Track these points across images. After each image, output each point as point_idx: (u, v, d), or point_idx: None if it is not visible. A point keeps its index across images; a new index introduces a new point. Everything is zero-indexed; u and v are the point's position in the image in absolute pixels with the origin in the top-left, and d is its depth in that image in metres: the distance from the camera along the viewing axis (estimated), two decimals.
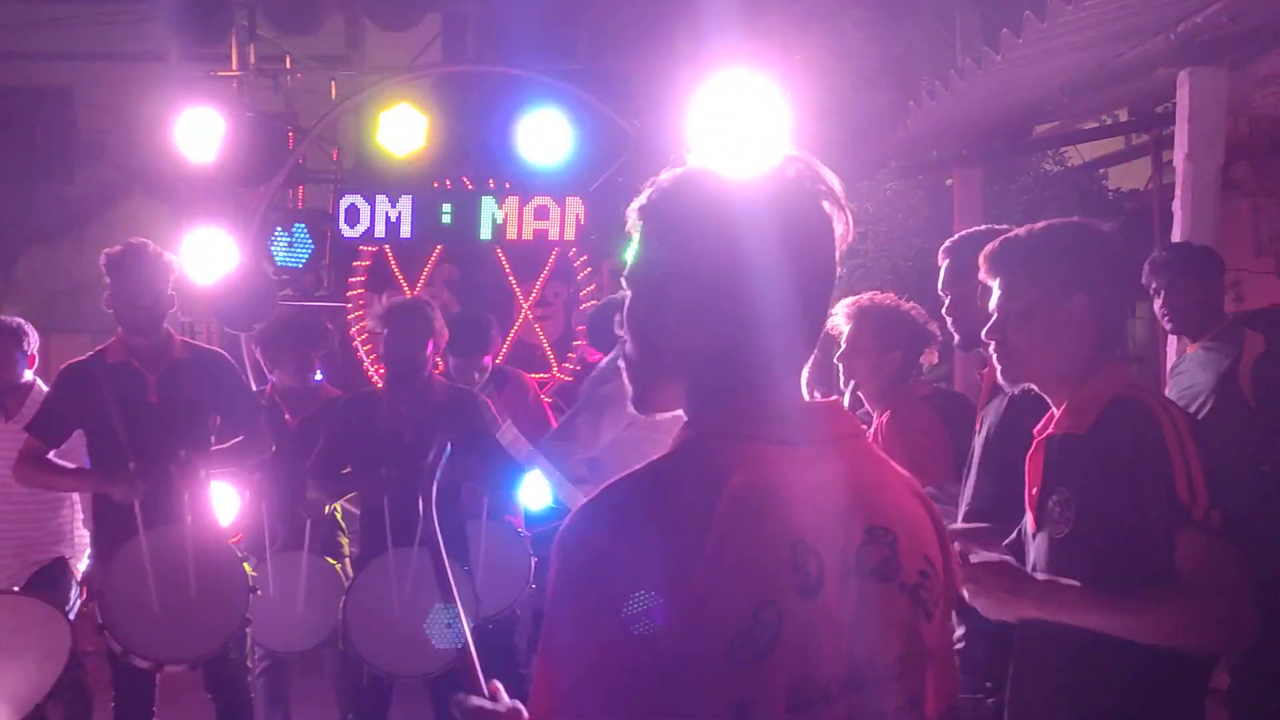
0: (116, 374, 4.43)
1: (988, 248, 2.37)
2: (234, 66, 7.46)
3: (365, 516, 4.88)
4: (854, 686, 1.32)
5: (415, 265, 7.15)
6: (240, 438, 4.60)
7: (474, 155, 7.05)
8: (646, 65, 7.00)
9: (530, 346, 7.16)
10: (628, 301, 1.45)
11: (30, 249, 13.45)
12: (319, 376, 5.87)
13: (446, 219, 7.03)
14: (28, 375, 5.29)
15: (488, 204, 7.02)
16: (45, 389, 5.02)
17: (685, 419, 1.42)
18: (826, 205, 1.39)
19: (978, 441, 2.94)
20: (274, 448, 4.78)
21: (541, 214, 6.97)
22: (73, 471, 4.82)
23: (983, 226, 3.45)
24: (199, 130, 6.75)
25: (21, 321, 5.31)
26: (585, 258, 7.11)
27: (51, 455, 4.53)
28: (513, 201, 7.01)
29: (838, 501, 1.35)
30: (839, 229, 1.40)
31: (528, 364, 6.77)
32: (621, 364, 1.48)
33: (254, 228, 7.05)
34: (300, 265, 6.96)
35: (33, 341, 5.33)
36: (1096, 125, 7.70)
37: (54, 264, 13.26)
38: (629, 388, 1.46)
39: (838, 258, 1.42)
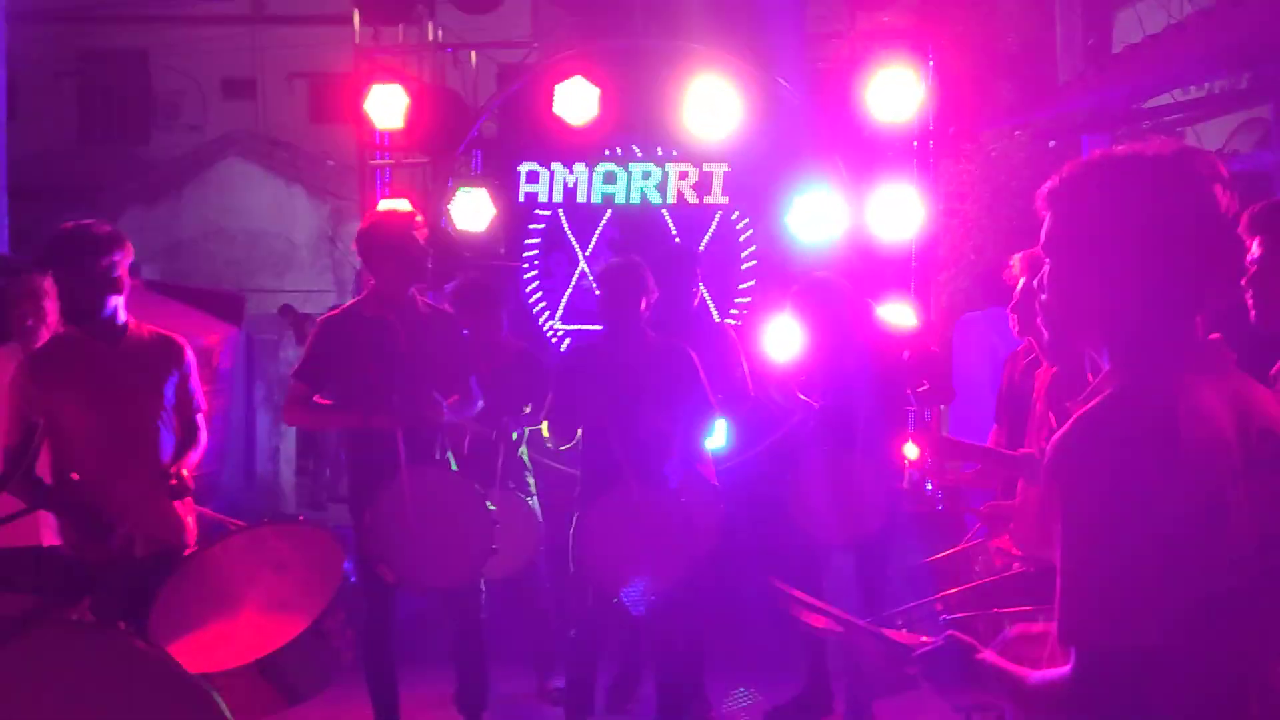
0: (372, 326, 4.97)
1: None
2: (401, 38, 7.90)
3: (587, 456, 5.42)
4: (1266, 559, 1.72)
5: (587, 228, 7.66)
6: (455, 396, 5.12)
7: (642, 124, 7.53)
8: (803, 38, 7.49)
9: None
10: (1049, 267, 1.87)
11: (129, 209, 13.79)
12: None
13: (617, 184, 7.55)
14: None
15: (655, 170, 7.55)
16: None
17: (1109, 363, 1.82)
18: (1219, 188, 1.79)
19: None
20: (481, 404, 5.24)
21: (705, 179, 7.53)
22: (338, 408, 5.31)
23: None
24: (385, 103, 7.22)
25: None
26: (747, 220, 7.62)
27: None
28: (679, 167, 7.53)
29: (1242, 412, 1.76)
30: (1224, 203, 1.79)
31: None
32: (1040, 317, 1.91)
33: (435, 196, 7.54)
34: (481, 229, 7.44)
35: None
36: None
37: (153, 224, 13.59)
38: (1047, 336, 1.95)
39: (1226, 225, 1.81)
